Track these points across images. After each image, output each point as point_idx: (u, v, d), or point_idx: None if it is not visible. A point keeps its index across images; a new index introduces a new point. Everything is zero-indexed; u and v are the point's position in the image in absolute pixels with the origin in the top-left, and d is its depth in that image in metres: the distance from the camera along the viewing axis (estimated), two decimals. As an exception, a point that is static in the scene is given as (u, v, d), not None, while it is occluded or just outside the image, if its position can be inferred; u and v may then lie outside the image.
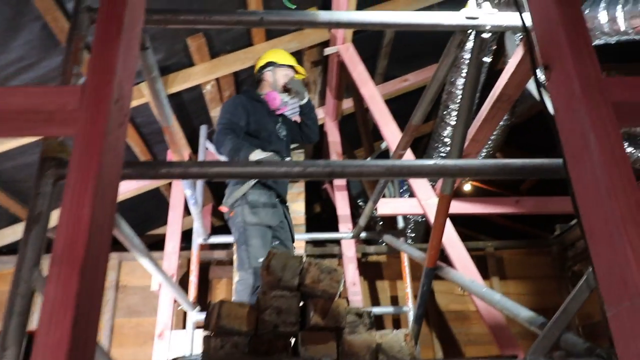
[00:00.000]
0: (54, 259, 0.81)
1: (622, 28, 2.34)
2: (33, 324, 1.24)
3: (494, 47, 2.90)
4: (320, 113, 4.40)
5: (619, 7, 2.32)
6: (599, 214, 0.88)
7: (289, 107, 3.16)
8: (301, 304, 1.62)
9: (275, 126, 2.99)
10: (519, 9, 1.23)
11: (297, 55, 3.78)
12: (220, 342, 1.49)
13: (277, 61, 3.07)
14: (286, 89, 3.05)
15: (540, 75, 1.57)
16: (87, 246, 0.81)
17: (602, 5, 2.36)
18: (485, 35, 1.62)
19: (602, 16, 2.36)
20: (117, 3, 1.01)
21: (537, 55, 1.15)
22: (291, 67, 3.10)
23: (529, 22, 1.19)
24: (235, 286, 2.72)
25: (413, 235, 4.93)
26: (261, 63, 3.13)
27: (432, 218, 2.66)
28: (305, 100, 3.09)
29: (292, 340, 1.60)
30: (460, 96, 3.63)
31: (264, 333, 1.54)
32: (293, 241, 2.92)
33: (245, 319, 1.54)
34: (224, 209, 2.76)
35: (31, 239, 1.22)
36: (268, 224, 2.67)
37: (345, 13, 1.89)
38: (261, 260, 2.45)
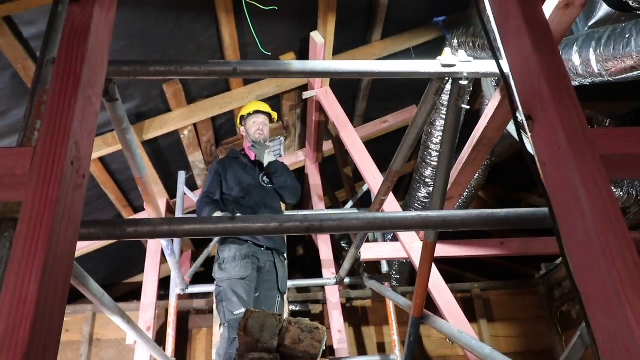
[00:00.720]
0: (-7, 345, 0.72)
1: (596, 70, 2.36)
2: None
3: (470, 89, 2.91)
4: (300, 156, 4.37)
5: (591, 50, 2.35)
6: (594, 277, 0.82)
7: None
8: (281, 366, 1.52)
9: (258, 176, 3.01)
10: (496, 57, 1.21)
11: (276, 99, 3.77)
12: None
13: (244, 113, 3.15)
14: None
15: (521, 119, 1.55)
16: (33, 330, 0.72)
17: (575, 48, 2.39)
18: (463, 82, 1.60)
19: (576, 59, 2.39)
20: (75, 59, 0.96)
21: (516, 100, 1.12)
22: (260, 112, 3.11)
23: (506, 69, 1.16)
24: (218, 339, 2.72)
25: (398, 277, 4.84)
26: (237, 125, 3.25)
27: (416, 262, 2.60)
28: (267, 163, 3.01)
29: (272, 408, 1.49)
30: (439, 136, 3.64)
31: (242, 401, 1.43)
32: (282, 294, 2.83)
33: (220, 386, 1.43)
34: None
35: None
36: (239, 277, 2.64)
37: (320, 63, 1.88)
38: (237, 313, 2.50)
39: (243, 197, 2.85)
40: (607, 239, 0.81)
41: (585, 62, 2.37)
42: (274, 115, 3.20)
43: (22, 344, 0.71)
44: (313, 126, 3.93)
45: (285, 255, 2.97)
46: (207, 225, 1.29)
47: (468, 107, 1.60)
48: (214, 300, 2.78)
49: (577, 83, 2.50)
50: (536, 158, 0.98)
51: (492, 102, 2.01)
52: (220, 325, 2.73)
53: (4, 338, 0.72)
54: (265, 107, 3.14)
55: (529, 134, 0.99)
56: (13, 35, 2.33)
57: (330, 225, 1.29)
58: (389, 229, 1.35)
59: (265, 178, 3.01)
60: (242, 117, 3.15)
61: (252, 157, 3.04)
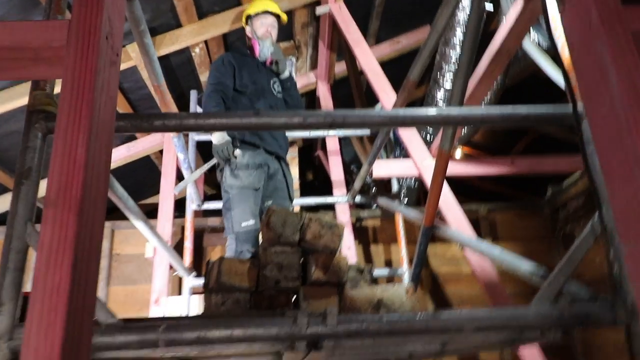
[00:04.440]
0: (47, 202, 0.77)
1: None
2: (27, 285, 1.20)
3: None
4: (312, 77, 4.32)
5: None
6: (618, 150, 0.84)
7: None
8: (302, 259, 1.59)
9: (270, 81, 2.85)
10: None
11: (288, 15, 3.67)
12: (222, 299, 1.47)
13: (251, 12, 2.93)
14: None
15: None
16: (84, 187, 0.76)
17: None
18: (488, -20, 1.56)
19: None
20: None
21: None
22: (269, 13, 2.91)
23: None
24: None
25: (406, 200, 4.93)
26: (242, 22, 3.04)
27: (427, 180, 2.64)
28: (285, 75, 2.92)
29: (294, 296, 1.58)
30: (453, 57, 3.57)
31: (266, 289, 1.52)
32: (291, 201, 2.83)
33: (246, 275, 1.51)
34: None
35: (22, 194, 1.17)
36: (252, 187, 2.52)
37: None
38: (244, 224, 2.44)
39: (258, 97, 2.71)
40: (634, 115, 0.83)
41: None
42: (284, 17, 3.00)
43: (75, 200, 0.76)
44: (326, 44, 3.85)
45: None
46: (233, 119, 1.31)
47: (491, 4, 1.56)
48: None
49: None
50: (564, 40, 0.98)
51: (514, 8, 1.96)
52: (224, 235, 2.62)
53: (58, 196, 0.76)
54: (275, 7, 2.94)
55: (560, 16, 0.98)
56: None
57: (353, 120, 1.31)
58: (410, 124, 1.38)
59: (276, 85, 2.88)
60: (248, 16, 2.94)
61: (268, 61, 2.86)
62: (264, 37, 2.86)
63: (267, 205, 2.61)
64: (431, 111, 1.33)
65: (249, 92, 2.71)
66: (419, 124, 1.52)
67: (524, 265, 1.64)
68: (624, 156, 0.82)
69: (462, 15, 3.32)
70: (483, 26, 1.66)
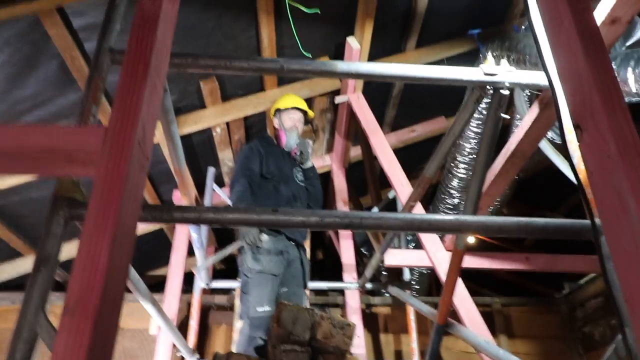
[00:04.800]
0: (66, 309, 0.77)
1: (634, 90, 2.36)
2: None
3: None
4: (327, 160, 4.41)
5: (630, 69, 2.35)
6: (638, 277, 0.83)
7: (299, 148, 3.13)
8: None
9: (292, 170, 3.00)
10: (545, 66, 1.23)
11: (308, 102, 3.81)
12: (225, 399, 1.41)
13: (281, 107, 3.14)
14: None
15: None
16: (102, 296, 0.76)
17: (614, 67, 2.39)
18: (504, 92, 1.62)
19: (614, 77, 2.39)
20: (145, 46, 1.01)
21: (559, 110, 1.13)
22: (297, 109, 3.12)
23: (554, 79, 1.18)
24: (237, 335, 2.65)
25: (417, 287, 4.83)
26: (271, 114, 3.23)
27: (440, 271, 2.60)
28: (308, 165, 3.09)
29: (300, 399, 1.52)
30: (467, 148, 3.64)
31: (271, 390, 1.46)
32: (305, 287, 2.84)
33: (251, 374, 1.46)
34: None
35: (38, 283, 1.17)
36: (271, 273, 2.57)
37: (364, 64, 1.91)
38: (260, 310, 2.43)
39: (282, 184, 2.83)
40: (655, 248, 0.83)
41: (623, 82, 2.37)
42: (311, 114, 3.20)
43: (93, 309, 0.76)
44: (343, 131, 3.96)
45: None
46: (251, 215, 1.33)
47: (508, 117, 1.61)
48: (239, 292, 2.73)
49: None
50: (582, 167, 1.00)
51: (529, 114, 2.02)
52: (239, 318, 2.67)
53: (77, 303, 0.76)
54: (304, 105, 3.15)
55: (577, 144, 1.01)
56: (64, 26, 2.42)
57: (370, 223, 1.32)
58: (427, 230, 1.38)
59: (299, 174, 3.02)
60: (277, 110, 3.15)
61: (293, 151, 3.03)
62: (291, 130, 3.05)
63: (282, 292, 2.61)
64: (448, 218, 1.34)
65: (274, 178, 2.86)
66: (436, 230, 1.53)
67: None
68: (647, 291, 0.81)
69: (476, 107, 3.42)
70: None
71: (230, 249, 2.83)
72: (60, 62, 2.59)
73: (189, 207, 1.36)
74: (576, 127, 1.04)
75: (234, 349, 3.18)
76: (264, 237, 2.55)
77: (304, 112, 3.17)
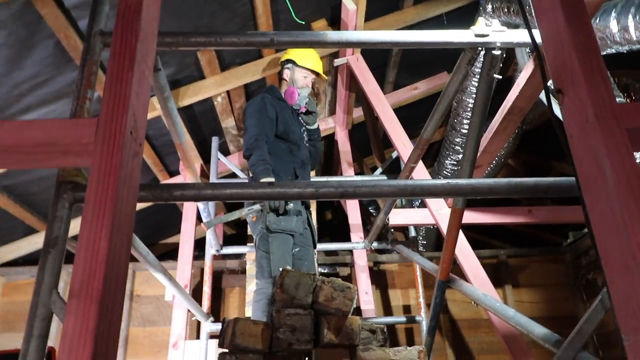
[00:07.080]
0: (72, 292, 0.83)
1: (634, 37, 2.32)
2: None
3: (504, 56, 2.88)
4: (330, 122, 4.42)
5: (630, 16, 2.30)
6: (615, 243, 0.87)
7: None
8: (314, 321, 1.62)
9: (300, 130, 2.95)
10: (529, 29, 1.23)
11: (307, 65, 3.79)
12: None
13: (297, 61, 3.00)
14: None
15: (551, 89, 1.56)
16: (105, 280, 0.82)
17: (613, 14, 2.34)
18: (496, 52, 1.62)
19: (613, 25, 2.34)
20: (130, 35, 1.03)
21: (548, 70, 1.14)
22: (312, 71, 3.03)
23: (539, 40, 1.18)
24: (253, 295, 2.66)
25: (425, 242, 4.91)
26: (283, 58, 3.09)
27: (444, 228, 2.65)
28: (315, 126, 3.03)
29: (307, 358, 1.61)
30: (470, 103, 3.63)
31: (279, 351, 1.55)
32: (315, 247, 2.89)
33: (259, 337, 1.54)
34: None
35: (49, 263, 1.23)
36: (292, 231, 2.60)
37: (355, 33, 1.91)
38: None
39: (297, 146, 2.78)
40: (628, 210, 0.86)
41: (624, 29, 2.33)
42: (325, 78, 3.11)
43: (97, 291, 0.82)
44: (344, 93, 3.95)
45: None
46: (248, 189, 1.37)
47: (500, 77, 1.62)
48: (251, 256, 2.71)
49: (613, 50, 2.46)
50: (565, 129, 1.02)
51: (525, 71, 2.01)
52: (255, 279, 2.63)
53: (81, 287, 0.82)
54: (321, 69, 3.05)
55: (560, 107, 1.03)
56: (55, 5, 2.42)
57: (364, 191, 1.35)
58: (420, 195, 1.42)
59: (305, 135, 2.96)
60: (292, 61, 2.98)
61: (292, 101, 2.90)
62: (302, 88, 2.95)
63: (295, 252, 2.66)
64: (441, 182, 1.37)
65: (289, 139, 2.78)
66: (428, 195, 1.56)
67: (537, 330, 1.64)
68: (620, 252, 0.85)
69: (479, 65, 3.39)
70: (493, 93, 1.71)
71: (247, 211, 2.62)
72: (55, 42, 2.60)
73: (188, 185, 1.40)
74: (558, 90, 1.06)
75: (248, 310, 3.30)
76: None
77: (317, 74, 3.06)
